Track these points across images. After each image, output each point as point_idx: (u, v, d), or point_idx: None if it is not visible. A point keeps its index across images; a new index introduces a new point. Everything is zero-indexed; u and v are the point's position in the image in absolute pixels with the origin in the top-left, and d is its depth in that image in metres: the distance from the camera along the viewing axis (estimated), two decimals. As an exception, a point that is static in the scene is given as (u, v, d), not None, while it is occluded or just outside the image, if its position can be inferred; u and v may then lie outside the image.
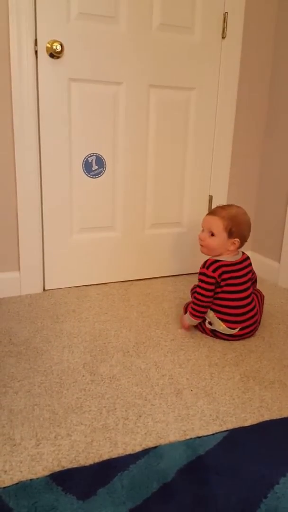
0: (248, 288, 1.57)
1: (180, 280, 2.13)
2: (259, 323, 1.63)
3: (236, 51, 1.99)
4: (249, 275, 1.59)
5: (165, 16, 1.83)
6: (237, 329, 1.54)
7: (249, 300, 1.56)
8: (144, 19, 1.81)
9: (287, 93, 2.02)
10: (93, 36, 1.75)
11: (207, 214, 1.64)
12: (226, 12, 1.93)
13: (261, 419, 1.16)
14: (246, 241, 1.61)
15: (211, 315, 1.56)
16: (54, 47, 1.69)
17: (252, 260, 2.25)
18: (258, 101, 2.12)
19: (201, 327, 1.60)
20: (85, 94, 1.80)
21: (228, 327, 1.53)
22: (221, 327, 1.54)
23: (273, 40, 2.06)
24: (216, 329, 1.55)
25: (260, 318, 1.64)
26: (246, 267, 1.59)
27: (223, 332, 1.55)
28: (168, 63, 1.89)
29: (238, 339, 1.57)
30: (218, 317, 1.54)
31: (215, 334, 1.57)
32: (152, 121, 1.94)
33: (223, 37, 1.96)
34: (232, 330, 1.54)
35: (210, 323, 1.57)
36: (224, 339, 1.57)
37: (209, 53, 1.95)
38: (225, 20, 1.94)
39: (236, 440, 1.07)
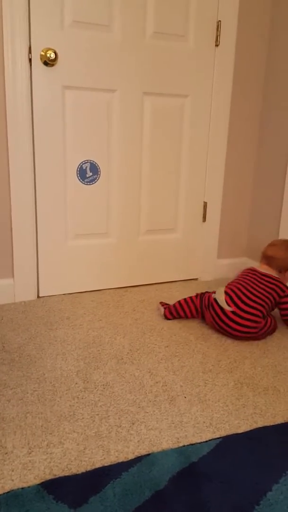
0: None
1: (175, 286, 2.13)
2: (253, 339, 1.63)
3: (230, 58, 2.01)
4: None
5: (158, 24, 1.85)
6: (231, 309, 1.58)
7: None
8: (138, 27, 1.82)
9: (280, 99, 2.04)
10: (87, 44, 1.76)
11: None
12: (219, 20, 1.94)
13: (254, 426, 1.15)
14: None
15: (220, 289, 1.65)
16: (48, 55, 1.70)
17: (246, 265, 2.27)
18: (252, 108, 2.14)
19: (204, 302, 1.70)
20: (79, 102, 1.81)
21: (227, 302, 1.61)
22: (221, 297, 1.61)
23: (267, 47, 2.08)
24: (217, 298, 1.62)
25: (256, 337, 1.64)
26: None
27: (220, 303, 1.61)
28: (162, 70, 1.90)
29: (228, 337, 1.63)
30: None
31: (212, 307, 1.64)
32: (146, 128, 1.95)
33: (216, 45, 1.97)
34: (228, 307, 1.59)
35: (214, 292, 1.67)
36: (216, 330, 1.65)
37: (202, 61, 1.97)
38: (218, 28, 1.95)
39: (229, 447, 1.07)
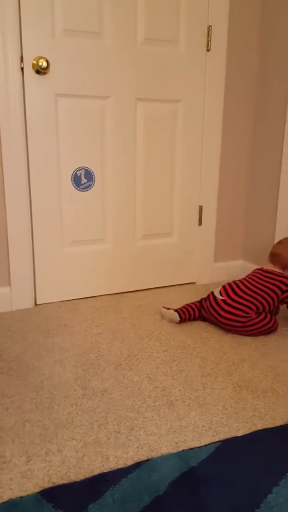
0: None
1: (173, 291, 2.13)
2: (244, 333, 1.67)
3: (221, 63, 2.02)
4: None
5: (149, 30, 1.86)
6: (223, 297, 1.67)
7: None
8: (129, 34, 1.83)
9: (272, 103, 2.05)
10: (78, 51, 1.77)
11: None
12: (210, 25, 1.96)
13: (254, 429, 1.15)
14: None
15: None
16: (40, 63, 1.71)
17: (244, 268, 2.27)
18: (245, 111, 2.15)
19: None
20: (73, 109, 1.82)
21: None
22: (218, 289, 1.71)
23: (258, 51, 2.10)
24: (214, 291, 1.72)
25: (246, 331, 1.66)
26: None
27: (215, 293, 1.71)
28: (154, 76, 1.91)
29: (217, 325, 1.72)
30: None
31: (208, 298, 1.74)
32: (140, 134, 1.96)
33: (207, 50, 1.98)
34: (219, 296, 1.68)
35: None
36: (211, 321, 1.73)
37: (194, 66, 1.98)
38: (209, 33, 1.97)
39: (228, 450, 1.06)
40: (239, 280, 1.74)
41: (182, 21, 1.92)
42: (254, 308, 1.65)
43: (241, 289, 1.69)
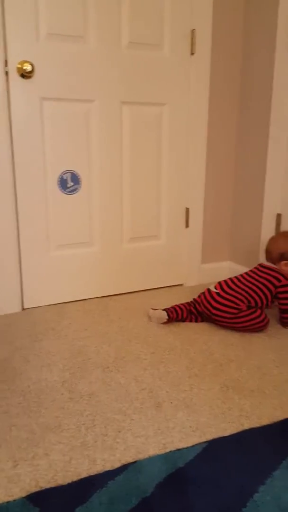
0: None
1: (160, 293, 2.13)
2: (233, 327, 1.70)
3: (205, 66, 2.04)
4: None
5: (133, 35, 1.87)
6: (217, 290, 1.71)
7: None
8: (113, 38, 1.84)
9: (255, 105, 2.07)
10: (63, 55, 1.77)
11: None
12: (194, 29, 1.97)
13: (240, 428, 1.15)
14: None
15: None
16: (25, 67, 1.71)
17: (229, 269, 2.29)
18: (229, 113, 2.16)
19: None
20: (58, 113, 1.82)
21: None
22: (213, 284, 1.76)
23: (241, 54, 2.12)
24: (209, 286, 1.76)
25: (235, 324, 1.69)
26: None
27: (210, 287, 1.75)
28: (139, 80, 1.92)
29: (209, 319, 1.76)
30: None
31: (203, 292, 1.78)
32: (125, 137, 1.97)
33: (192, 53, 2.00)
34: (214, 289, 1.73)
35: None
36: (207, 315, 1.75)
37: (178, 69, 1.99)
38: (193, 37, 1.98)
39: (215, 450, 1.07)
40: (236, 276, 1.78)
41: (166, 25, 1.93)
42: (246, 301, 1.69)
43: (235, 284, 1.73)
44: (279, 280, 1.72)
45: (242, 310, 1.67)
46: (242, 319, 1.67)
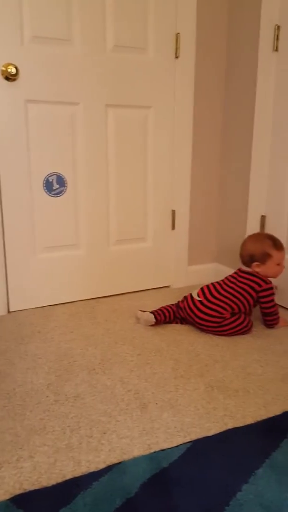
0: None
1: (147, 295, 2.14)
2: (219, 333, 1.70)
3: (190, 69, 2.05)
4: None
5: (118, 38, 1.88)
6: (200, 298, 1.71)
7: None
8: (98, 41, 1.85)
9: (239, 107, 2.09)
10: (48, 58, 1.78)
11: (283, 247, 1.78)
12: (178, 33, 1.99)
13: (224, 428, 1.16)
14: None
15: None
16: (9, 70, 1.71)
17: (216, 271, 2.30)
18: (214, 116, 2.18)
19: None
20: (43, 115, 1.82)
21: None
22: (196, 290, 1.75)
23: (225, 57, 2.14)
24: (192, 292, 1.76)
25: (221, 331, 1.70)
26: None
27: (192, 294, 1.74)
28: (124, 83, 1.93)
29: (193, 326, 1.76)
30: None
31: (185, 299, 1.78)
32: (111, 139, 1.97)
33: (176, 57, 2.02)
34: (197, 296, 1.72)
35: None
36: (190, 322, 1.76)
37: (163, 73, 2.00)
38: (177, 41, 2.00)
39: (199, 450, 1.08)
40: (217, 282, 1.78)
41: (151, 28, 1.94)
42: (229, 309, 1.69)
43: (217, 290, 1.72)
44: (260, 285, 1.72)
45: (226, 318, 1.68)
46: (227, 327, 1.68)
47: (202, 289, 1.75)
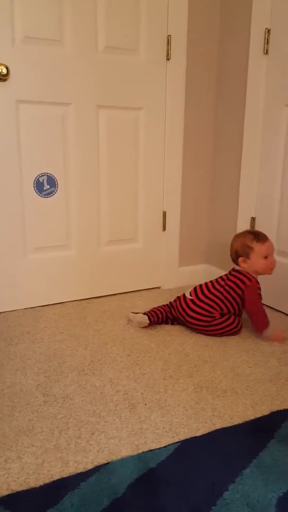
0: None
1: (138, 296, 2.14)
2: (209, 333, 1.71)
3: (181, 71, 2.06)
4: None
5: (110, 39, 1.88)
6: (191, 297, 1.72)
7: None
8: (90, 42, 1.85)
9: (231, 109, 2.10)
10: (39, 59, 1.77)
11: (267, 240, 1.74)
12: (170, 35, 2.00)
13: (213, 428, 1.17)
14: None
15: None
16: (0, 70, 1.70)
17: (207, 272, 2.31)
18: (205, 118, 2.19)
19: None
20: (34, 116, 1.82)
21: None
22: (188, 290, 1.77)
23: (216, 59, 2.15)
24: (185, 292, 1.78)
25: (211, 331, 1.71)
26: None
27: (185, 293, 1.76)
28: (115, 84, 1.94)
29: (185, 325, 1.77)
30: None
31: (178, 298, 1.80)
32: (102, 140, 1.97)
33: (167, 59, 2.02)
34: (189, 295, 1.74)
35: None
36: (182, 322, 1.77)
37: (154, 74, 2.01)
38: (168, 42, 2.00)
39: (187, 450, 1.08)
40: (210, 281, 1.79)
41: (142, 30, 1.95)
42: (218, 308, 1.70)
43: (208, 289, 1.74)
44: (243, 282, 1.71)
45: (216, 318, 1.69)
46: (216, 327, 1.69)
47: (195, 288, 1.77)
